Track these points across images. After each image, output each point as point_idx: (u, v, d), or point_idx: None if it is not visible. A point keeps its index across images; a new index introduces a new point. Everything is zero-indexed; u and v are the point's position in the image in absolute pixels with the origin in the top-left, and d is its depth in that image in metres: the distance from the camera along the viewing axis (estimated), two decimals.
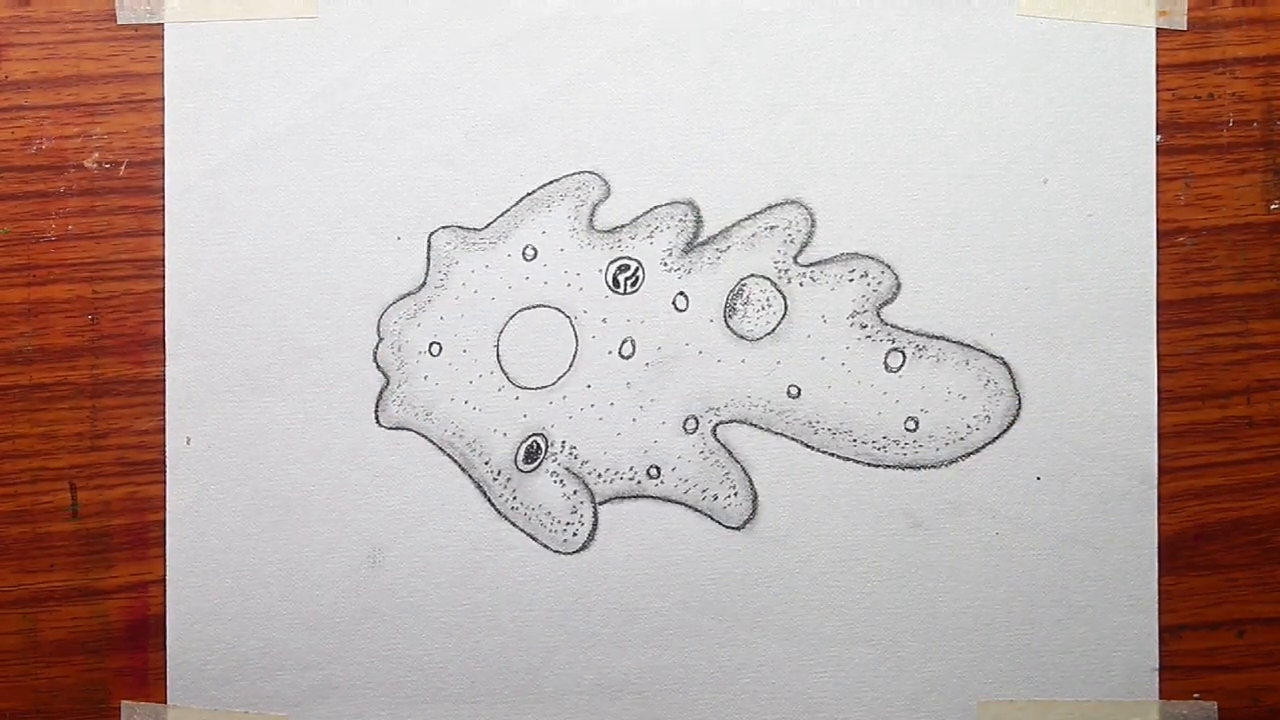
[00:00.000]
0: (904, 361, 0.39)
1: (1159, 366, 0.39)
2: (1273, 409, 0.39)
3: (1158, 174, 0.39)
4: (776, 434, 0.39)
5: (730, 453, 0.39)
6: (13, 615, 0.40)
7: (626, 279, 0.39)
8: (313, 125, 0.39)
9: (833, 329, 0.39)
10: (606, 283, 0.39)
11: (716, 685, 0.39)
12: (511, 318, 0.39)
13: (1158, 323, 0.39)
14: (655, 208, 0.39)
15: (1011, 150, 0.39)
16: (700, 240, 0.39)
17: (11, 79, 0.39)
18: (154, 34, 0.40)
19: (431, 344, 0.39)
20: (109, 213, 0.39)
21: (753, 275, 0.39)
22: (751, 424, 0.39)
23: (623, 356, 0.39)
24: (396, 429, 0.39)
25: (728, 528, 0.39)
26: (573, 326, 0.39)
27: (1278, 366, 0.39)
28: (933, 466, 0.39)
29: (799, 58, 0.39)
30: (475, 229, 0.39)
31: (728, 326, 0.39)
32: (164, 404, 0.39)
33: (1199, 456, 0.39)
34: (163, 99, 0.39)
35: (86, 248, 0.39)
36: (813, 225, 0.39)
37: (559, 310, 0.39)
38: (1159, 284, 0.39)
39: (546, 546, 0.39)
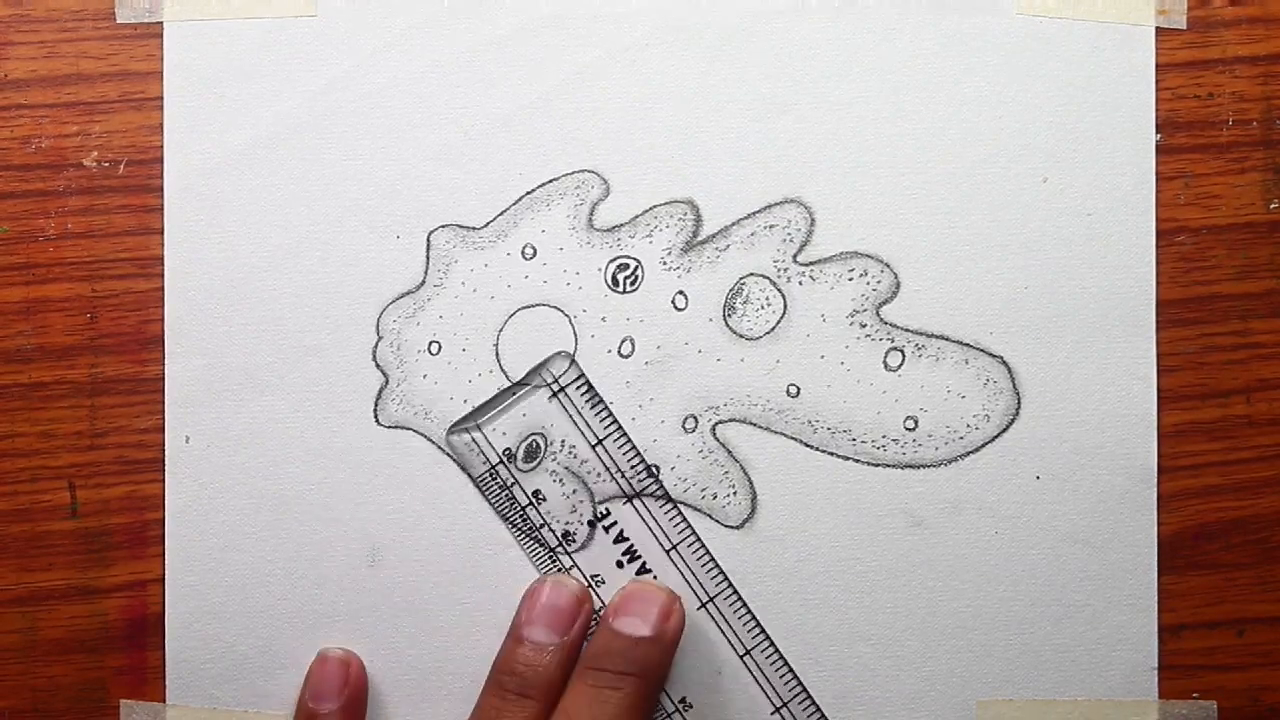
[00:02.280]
0: (903, 360, 0.39)
1: (1158, 366, 0.39)
2: (1272, 408, 0.39)
3: (1157, 173, 0.39)
4: (776, 433, 0.39)
5: (729, 452, 0.39)
6: (11, 614, 0.40)
7: (626, 278, 0.39)
8: (312, 124, 0.39)
9: (832, 328, 0.39)
10: (606, 282, 0.39)
11: (715, 684, 0.39)
12: (511, 316, 0.39)
13: (1157, 322, 0.39)
14: (654, 207, 0.39)
15: (1011, 149, 0.39)
16: (699, 239, 0.39)
17: (10, 77, 0.40)
18: (153, 32, 0.40)
19: (431, 343, 0.39)
20: (108, 211, 0.39)
21: (752, 274, 0.39)
22: (751, 423, 0.39)
23: (622, 355, 0.39)
24: (395, 428, 0.39)
25: (727, 526, 0.39)
26: (572, 325, 0.39)
27: (1278, 366, 0.39)
28: (932, 465, 0.39)
29: (798, 57, 0.39)
30: (474, 228, 0.39)
31: (727, 325, 0.39)
32: (163, 403, 0.39)
33: (1198, 456, 0.39)
34: (162, 97, 0.39)
35: (85, 246, 0.39)
36: (812, 224, 0.39)
37: (558, 309, 0.39)
38: (1158, 283, 0.39)
39: (545, 546, 0.39)
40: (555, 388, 0.39)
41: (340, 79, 0.39)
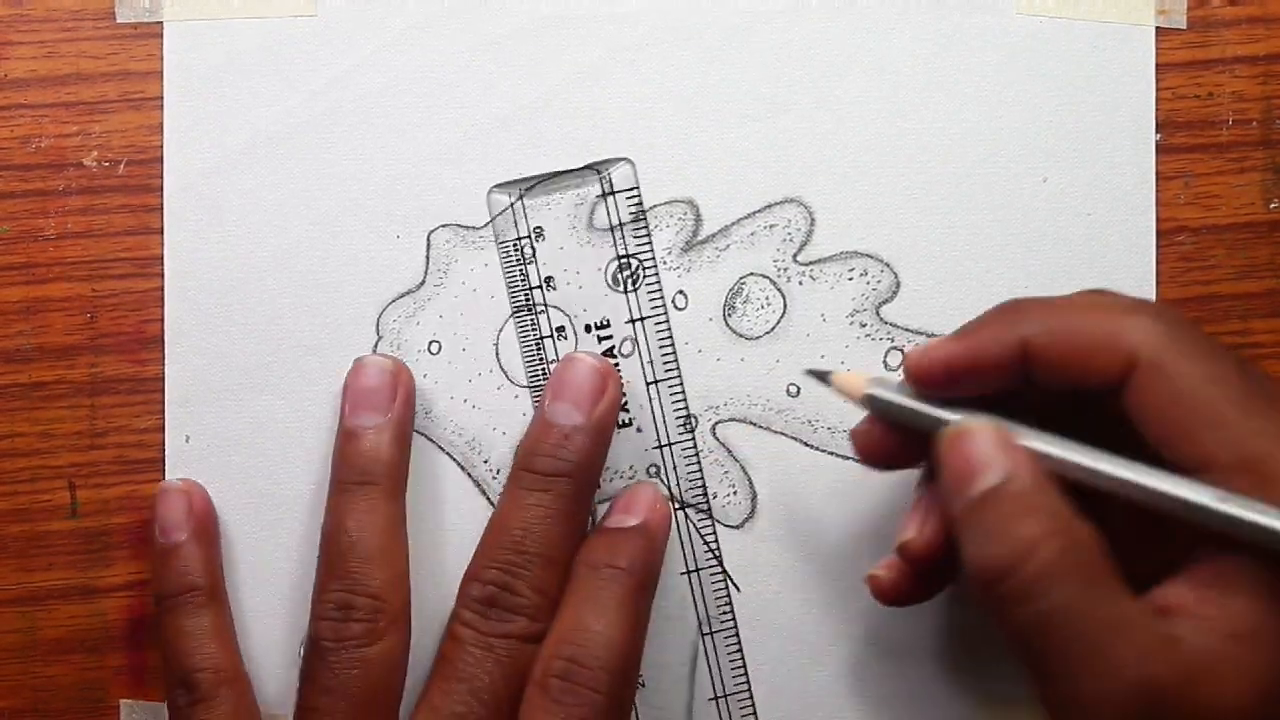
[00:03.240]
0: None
1: None
2: None
3: (1157, 173, 0.39)
4: (776, 433, 0.39)
5: (729, 451, 0.39)
6: (11, 614, 0.40)
7: (626, 277, 0.39)
8: (312, 124, 0.39)
9: (832, 327, 0.39)
10: (606, 281, 0.39)
11: (715, 684, 0.39)
12: (511, 316, 0.39)
13: None
14: (654, 206, 0.39)
15: (1011, 149, 0.39)
16: (699, 239, 0.39)
17: (10, 77, 0.40)
18: (153, 32, 0.40)
19: (431, 342, 0.39)
20: (108, 211, 0.39)
21: (752, 274, 0.39)
22: (751, 422, 0.39)
23: (623, 355, 0.39)
24: None
25: (727, 526, 0.39)
26: (572, 325, 0.39)
27: (1278, 366, 0.39)
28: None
29: (798, 57, 0.39)
30: (474, 227, 0.39)
31: (727, 325, 0.39)
32: (163, 402, 0.39)
33: None
34: (162, 97, 0.39)
35: (85, 246, 0.39)
36: (812, 224, 0.39)
37: (558, 309, 0.39)
38: (1158, 283, 0.39)
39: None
40: (607, 188, 0.38)
41: (340, 79, 0.39)
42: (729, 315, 0.39)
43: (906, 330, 0.39)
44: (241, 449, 0.39)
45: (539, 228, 0.39)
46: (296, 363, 0.39)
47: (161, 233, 0.39)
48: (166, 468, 0.39)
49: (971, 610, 0.39)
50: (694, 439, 0.39)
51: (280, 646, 0.39)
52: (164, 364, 0.39)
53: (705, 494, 0.39)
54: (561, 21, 0.39)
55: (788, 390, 0.39)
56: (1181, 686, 0.25)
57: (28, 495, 0.40)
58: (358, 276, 0.39)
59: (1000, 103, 0.39)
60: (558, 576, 0.36)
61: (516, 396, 0.39)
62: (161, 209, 0.39)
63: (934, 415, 0.31)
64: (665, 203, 0.39)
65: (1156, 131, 0.39)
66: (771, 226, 0.39)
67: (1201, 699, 0.25)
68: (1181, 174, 0.39)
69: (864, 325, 0.39)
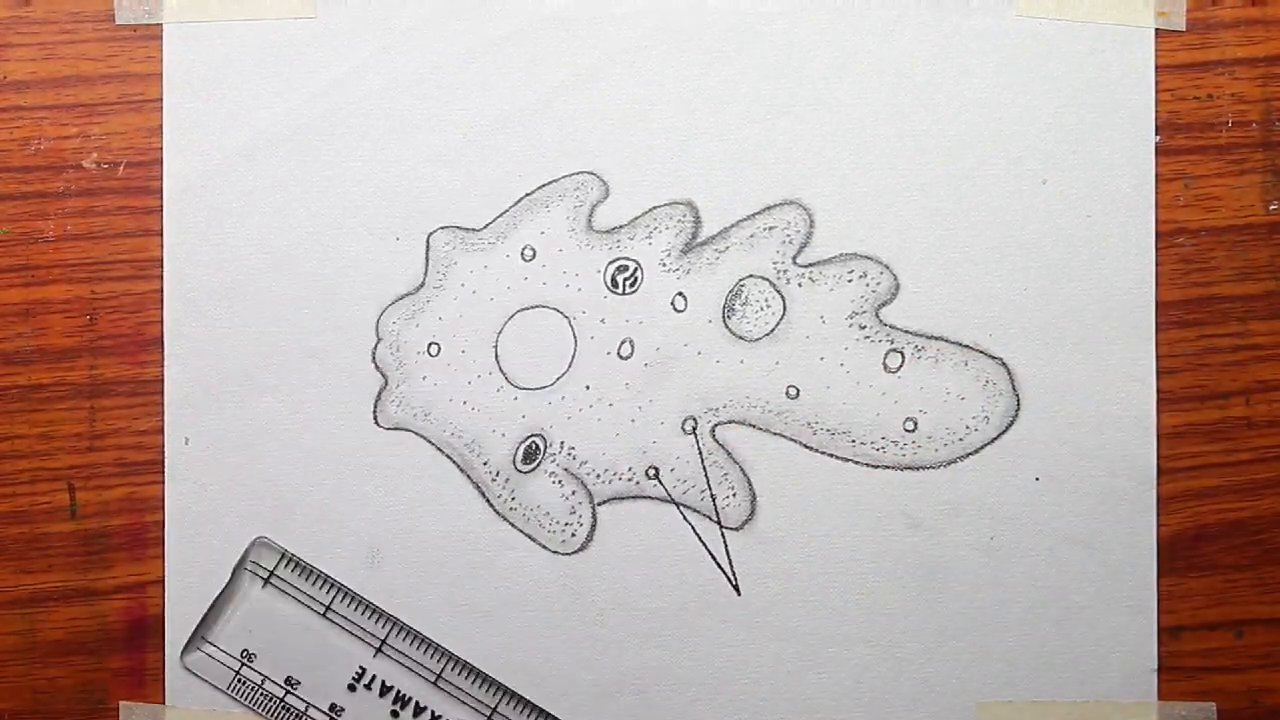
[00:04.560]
0: (903, 362, 0.39)
1: (1158, 367, 0.39)
2: (1272, 410, 0.39)
3: (1157, 174, 0.39)
4: (775, 435, 0.39)
5: (729, 453, 0.39)
6: (11, 616, 0.40)
7: (625, 279, 0.39)
8: (311, 125, 0.39)
9: (831, 329, 0.39)
10: (605, 283, 0.39)
11: (715, 685, 0.39)
12: (510, 318, 0.39)
13: (1156, 323, 0.39)
14: (654, 208, 0.39)
15: (1010, 151, 0.39)
16: (699, 241, 0.39)
17: (10, 79, 0.39)
18: (152, 34, 0.40)
19: (430, 344, 0.39)
20: (107, 213, 0.39)
21: (751, 276, 0.39)
22: (750, 425, 0.39)
23: (621, 357, 0.39)
24: (395, 429, 0.39)
25: (726, 528, 0.39)
26: (571, 327, 0.39)
27: (1277, 367, 0.39)
28: (931, 467, 0.39)
29: (798, 58, 0.39)
30: (474, 229, 0.39)
31: (726, 327, 0.39)
32: (162, 404, 0.39)
33: (1198, 457, 0.39)
34: (161, 99, 0.39)
35: (85, 248, 0.39)
36: (811, 226, 0.39)
37: (558, 311, 0.39)
38: (1158, 285, 0.39)
39: (545, 547, 0.39)
40: (264, 574, 0.39)
41: (339, 80, 0.39)
42: (728, 317, 0.39)
43: (906, 332, 0.39)
44: (241, 451, 0.39)
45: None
46: (296, 365, 0.39)
47: (161, 234, 0.39)
48: (166, 470, 0.39)
49: (968, 615, 0.39)
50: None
51: (280, 648, 0.39)
52: (163, 366, 0.39)
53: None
54: (561, 23, 0.39)
55: (787, 392, 0.39)
56: None
57: (27, 497, 0.40)
58: (357, 278, 0.39)
59: (1000, 104, 0.39)
60: None
61: (516, 399, 0.39)
62: (161, 211, 0.39)
63: None
64: (664, 204, 0.39)
65: (1156, 133, 0.39)
66: (771, 228, 0.39)
67: None
68: (1181, 176, 0.39)
69: (863, 327, 0.39)
